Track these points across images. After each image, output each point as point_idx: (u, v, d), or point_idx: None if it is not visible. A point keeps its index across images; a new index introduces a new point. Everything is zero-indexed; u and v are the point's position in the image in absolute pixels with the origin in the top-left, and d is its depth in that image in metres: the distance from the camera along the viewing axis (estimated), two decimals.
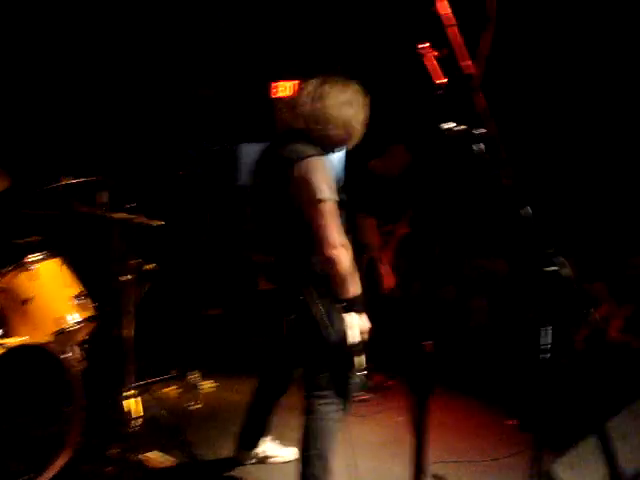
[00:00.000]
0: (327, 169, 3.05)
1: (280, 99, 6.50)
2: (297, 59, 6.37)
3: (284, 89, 6.77)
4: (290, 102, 3.24)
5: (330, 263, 2.97)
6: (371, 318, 3.08)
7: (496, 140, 1.58)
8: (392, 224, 5.43)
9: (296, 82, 6.93)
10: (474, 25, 1.67)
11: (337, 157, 6.22)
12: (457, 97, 1.56)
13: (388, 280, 5.34)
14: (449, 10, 1.54)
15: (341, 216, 3.06)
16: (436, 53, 1.63)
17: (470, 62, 1.54)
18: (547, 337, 3.01)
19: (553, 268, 2.77)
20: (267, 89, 6.80)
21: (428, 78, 1.62)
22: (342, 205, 3.08)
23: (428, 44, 1.61)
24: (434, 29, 1.58)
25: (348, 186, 5.58)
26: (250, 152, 7.03)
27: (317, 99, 3.13)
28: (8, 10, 5.13)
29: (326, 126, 3.11)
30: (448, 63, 1.60)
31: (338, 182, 3.10)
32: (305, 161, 3.00)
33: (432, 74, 1.61)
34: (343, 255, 2.97)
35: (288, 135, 3.15)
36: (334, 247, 2.95)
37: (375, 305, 5.43)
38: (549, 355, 3.07)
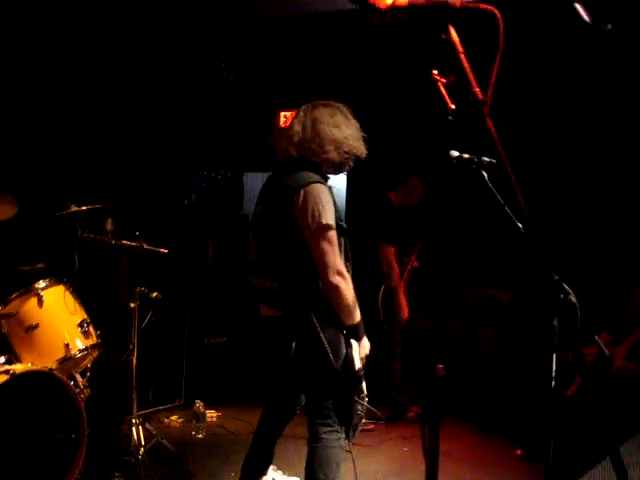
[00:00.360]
0: (330, 196, 3.07)
1: (279, 129, 6.55)
2: (306, 88, 6.43)
3: (291, 118, 6.81)
4: (285, 131, 3.27)
5: (332, 289, 2.98)
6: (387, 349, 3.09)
7: (506, 166, 1.59)
8: (406, 256, 5.51)
9: None
10: (479, 53, 1.71)
11: (338, 185, 6.31)
12: (467, 124, 1.58)
13: (404, 312, 5.40)
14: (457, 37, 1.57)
15: (341, 244, 3.08)
16: (444, 80, 1.65)
17: (479, 89, 1.57)
18: (554, 364, 3.01)
19: (560, 295, 2.78)
20: (275, 118, 6.85)
21: (439, 104, 1.64)
22: (342, 233, 3.10)
23: (436, 71, 1.64)
24: (440, 56, 1.61)
25: (369, 215, 5.69)
26: (255, 181, 7.07)
27: (309, 125, 3.16)
28: (24, 32, 5.19)
29: (321, 150, 3.13)
30: (456, 90, 1.63)
31: (339, 210, 3.12)
32: (309, 187, 3.02)
33: (445, 99, 1.63)
34: (344, 281, 2.98)
35: (291, 164, 3.18)
36: (336, 273, 2.96)
37: (389, 335, 5.52)
38: (556, 383, 3.07)
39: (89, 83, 5.72)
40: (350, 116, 3.27)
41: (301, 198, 3.00)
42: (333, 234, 3.00)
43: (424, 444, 1.76)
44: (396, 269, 5.46)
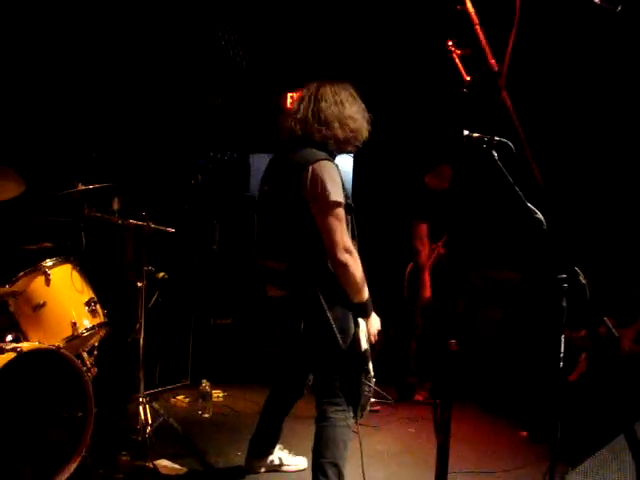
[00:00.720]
0: (337, 173, 3.05)
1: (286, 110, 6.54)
2: (314, 68, 6.39)
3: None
4: (291, 110, 3.26)
5: (340, 266, 2.97)
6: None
7: (521, 140, 1.57)
8: (434, 243, 5.55)
9: None
10: (495, 25, 1.68)
11: (344, 166, 6.29)
12: (482, 96, 1.56)
13: (427, 291, 5.43)
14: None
15: (348, 222, 3.07)
16: (459, 52, 1.63)
17: (495, 61, 1.54)
18: (561, 346, 2.99)
19: (568, 276, 2.77)
20: (281, 99, 6.82)
21: (454, 76, 1.62)
22: (349, 211, 3.09)
23: (452, 42, 1.62)
24: (456, 29, 1.58)
25: (403, 195, 5.72)
26: (261, 162, 7.04)
27: (313, 102, 3.14)
28: (34, 20, 5.16)
29: (326, 127, 3.11)
30: (471, 63, 1.61)
31: (346, 188, 3.11)
32: (316, 164, 3.00)
33: (460, 71, 1.61)
34: (353, 259, 2.97)
35: (296, 142, 3.16)
36: (344, 250, 2.95)
37: (409, 314, 5.55)
38: (563, 365, 3.06)
39: (96, 63, 5.69)
40: (355, 95, 3.25)
41: (309, 175, 2.98)
42: (341, 211, 2.99)
43: (435, 420, 1.75)
44: (427, 247, 5.54)
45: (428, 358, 5.53)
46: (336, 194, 2.96)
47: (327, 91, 3.17)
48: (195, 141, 6.51)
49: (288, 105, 6.99)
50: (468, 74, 1.61)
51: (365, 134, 3.23)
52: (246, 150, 6.89)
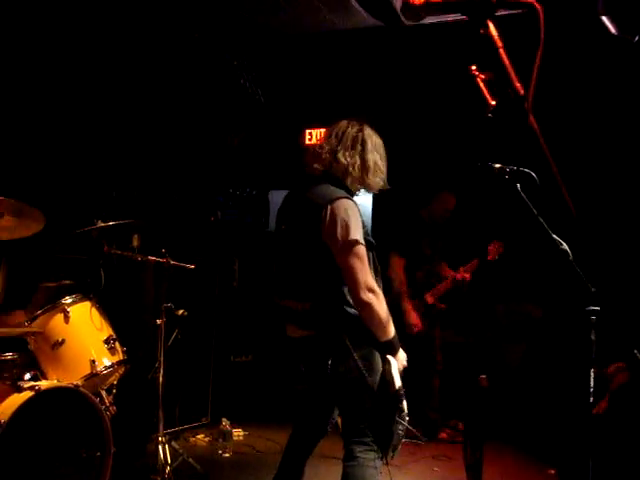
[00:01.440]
0: (357, 211, 3.01)
1: (309, 146, 6.56)
2: (331, 106, 6.42)
3: (316, 136, 6.84)
4: (319, 147, 3.22)
5: (364, 306, 2.91)
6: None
7: (549, 163, 1.53)
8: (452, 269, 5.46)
9: (325, 129, 6.99)
10: (519, 49, 1.65)
11: (364, 202, 6.28)
12: (507, 121, 1.52)
13: (412, 317, 5.32)
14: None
15: (370, 259, 3.02)
16: (483, 76, 1.60)
17: (520, 84, 1.51)
18: (591, 380, 2.91)
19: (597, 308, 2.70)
20: (300, 135, 6.85)
21: (478, 101, 1.59)
22: (371, 248, 3.04)
23: (475, 66, 1.59)
24: (479, 52, 1.55)
25: (380, 228, 5.66)
26: (280, 198, 7.03)
27: (341, 142, 3.11)
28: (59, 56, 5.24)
29: (366, 172, 3.09)
30: (495, 87, 1.57)
31: (367, 225, 3.07)
32: (336, 203, 2.96)
33: (484, 96, 1.57)
34: (376, 297, 2.92)
35: (313, 180, 3.13)
36: (367, 290, 2.90)
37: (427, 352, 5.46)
38: (592, 400, 2.97)
39: (117, 101, 5.75)
40: (379, 137, 3.23)
41: (328, 214, 2.94)
42: (362, 250, 2.93)
43: (466, 460, 1.68)
44: (402, 276, 5.42)
45: (451, 394, 5.42)
46: (356, 232, 2.92)
47: (369, 136, 3.14)
48: (214, 178, 6.54)
49: (306, 141, 7.02)
50: (493, 98, 1.58)
51: (384, 180, 3.21)
52: (265, 186, 6.90)
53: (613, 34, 2.31)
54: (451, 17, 1.61)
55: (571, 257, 2.54)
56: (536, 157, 1.57)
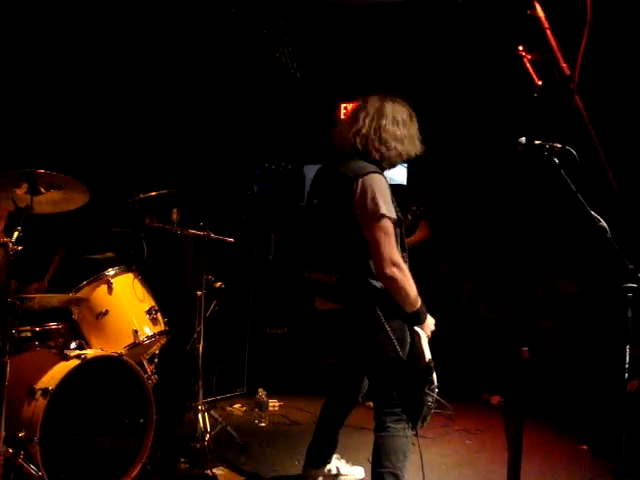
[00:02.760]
0: (387, 186, 3.05)
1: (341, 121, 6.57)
2: (368, 79, 6.40)
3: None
4: (347, 122, 3.25)
5: (388, 280, 2.96)
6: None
7: (595, 144, 1.55)
8: None
9: None
10: (566, 29, 1.66)
11: (399, 174, 6.28)
12: (553, 101, 1.54)
13: None
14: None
15: (397, 234, 3.05)
16: (530, 56, 1.61)
17: (567, 65, 1.53)
18: (625, 357, 2.92)
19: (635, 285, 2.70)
20: (335, 110, 6.85)
21: (525, 81, 1.60)
22: (398, 223, 3.07)
23: (522, 47, 1.60)
24: (526, 33, 1.57)
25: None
26: (314, 173, 7.07)
27: (376, 119, 3.14)
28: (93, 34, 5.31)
29: (383, 146, 3.11)
30: (542, 67, 1.59)
31: (395, 201, 3.10)
32: (366, 177, 3.00)
33: (531, 76, 1.59)
34: (401, 272, 2.96)
35: (345, 154, 3.16)
36: (391, 264, 2.94)
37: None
38: (626, 376, 2.98)
39: (157, 76, 5.80)
40: (413, 115, 3.25)
41: (359, 188, 2.98)
42: (389, 224, 2.97)
43: (507, 432, 1.72)
44: None
45: (485, 370, 5.44)
46: (384, 207, 2.95)
47: (388, 109, 3.17)
48: (250, 152, 6.58)
49: (342, 116, 7.02)
50: (539, 79, 1.60)
51: (418, 152, 3.23)
52: (300, 161, 6.93)
53: None
54: None
55: (609, 234, 2.55)
56: (581, 137, 1.59)
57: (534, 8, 1.57)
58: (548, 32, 1.54)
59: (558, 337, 5.75)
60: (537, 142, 2.48)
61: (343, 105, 6.95)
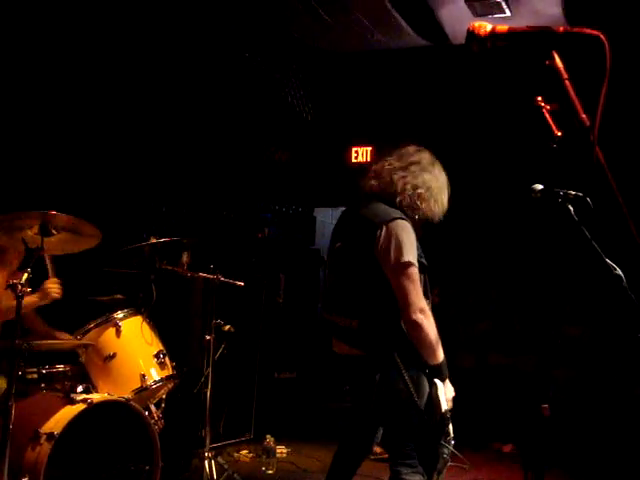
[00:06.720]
0: (412, 232, 3.02)
1: (364, 164, 6.60)
2: (378, 124, 6.44)
3: (363, 154, 6.87)
4: (377, 168, 3.23)
5: (414, 327, 2.91)
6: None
7: (615, 194, 1.52)
8: None
9: (372, 147, 7.03)
10: (585, 80, 1.65)
11: None
12: (573, 152, 1.52)
13: None
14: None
15: (422, 281, 3.02)
16: (549, 107, 1.60)
17: (586, 115, 1.51)
18: None
19: None
20: (346, 153, 6.88)
21: (544, 132, 1.59)
22: (423, 270, 3.04)
23: (541, 98, 1.59)
24: (543, 84, 1.56)
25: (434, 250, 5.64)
26: (325, 216, 7.09)
27: (412, 169, 3.12)
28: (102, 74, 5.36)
29: (415, 197, 3.09)
30: (561, 118, 1.58)
31: (420, 247, 3.06)
32: (392, 223, 2.97)
33: (550, 126, 1.58)
34: (427, 319, 2.91)
35: (370, 198, 3.15)
36: (418, 311, 2.89)
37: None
38: None
39: (170, 119, 5.85)
40: (443, 170, 3.23)
41: (383, 234, 2.95)
42: (415, 271, 2.93)
43: None
44: None
45: (498, 417, 5.35)
46: (409, 254, 2.92)
47: (424, 159, 3.15)
48: (261, 195, 6.60)
49: (352, 159, 7.05)
50: (558, 129, 1.59)
51: (444, 207, 3.20)
52: (311, 204, 6.95)
53: None
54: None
55: (625, 282, 2.51)
56: (602, 188, 1.57)
57: (553, 58, 1.56)
58: (567, 82, 1.53)
59: (570, 385, 5.66)
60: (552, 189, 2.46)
61: (354, 149, 6.99)
